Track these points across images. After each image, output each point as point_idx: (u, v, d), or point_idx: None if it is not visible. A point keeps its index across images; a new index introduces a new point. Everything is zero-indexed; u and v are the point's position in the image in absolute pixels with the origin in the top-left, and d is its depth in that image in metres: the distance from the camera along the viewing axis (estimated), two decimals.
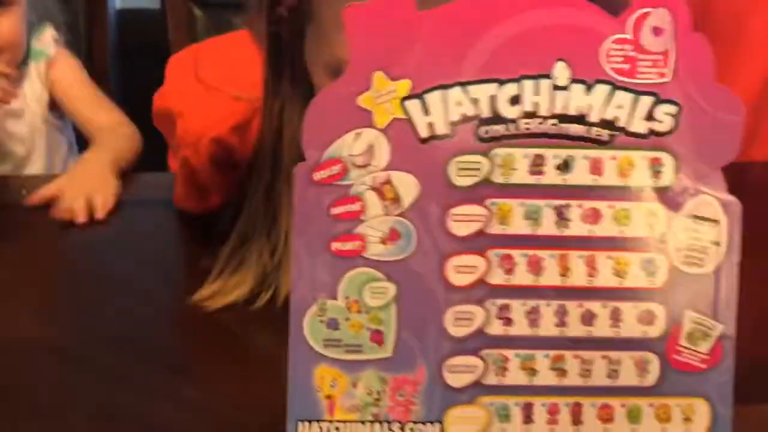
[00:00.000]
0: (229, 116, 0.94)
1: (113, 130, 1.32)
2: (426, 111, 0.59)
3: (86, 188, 1.05)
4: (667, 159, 0.60)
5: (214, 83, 0.97)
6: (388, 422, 0.60)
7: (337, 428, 0.60)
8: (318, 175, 0.59)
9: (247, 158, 0.91)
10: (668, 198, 0.60)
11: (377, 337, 0.60)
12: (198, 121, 0.96)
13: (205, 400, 0.73)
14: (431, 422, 0.60)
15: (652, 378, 0.61)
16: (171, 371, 0.77)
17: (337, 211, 0.59)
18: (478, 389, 0.60)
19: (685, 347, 0.61)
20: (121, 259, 0.98)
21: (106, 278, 0.93)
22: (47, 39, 1.45)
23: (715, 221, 0.60)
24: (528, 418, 0.61)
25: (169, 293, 0.91)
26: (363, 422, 0.60)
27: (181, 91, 1.01)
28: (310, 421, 0.60)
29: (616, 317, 0.60)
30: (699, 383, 0.61)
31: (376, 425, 0.60)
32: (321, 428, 0.60)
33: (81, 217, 1.04)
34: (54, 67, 1.42)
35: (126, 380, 0.76)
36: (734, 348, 0.61)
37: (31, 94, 1.41)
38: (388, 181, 0.59)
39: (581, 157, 0.60)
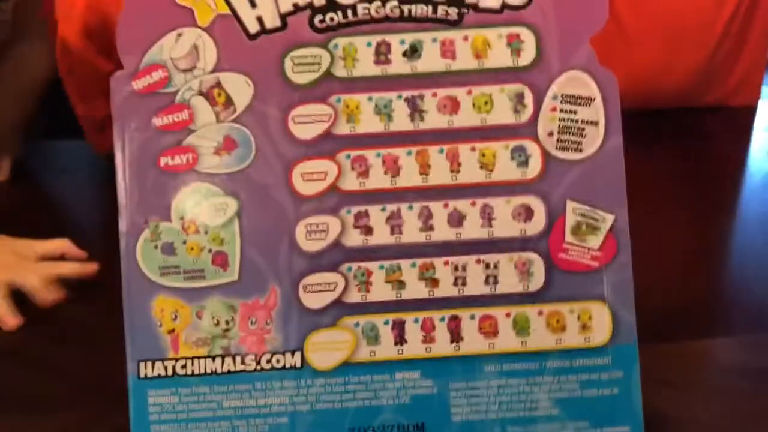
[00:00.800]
0: None
1: None
2: (252, 3, 0.53)
3: None
4: (526, 34, 0.54)
5: None
6: (241, 355, 0.53)
7: (183, 366, 0.53)
8: (138, 84, 0.53)
9: None
10: (532, 77, 0.54)
11: (220, 260, 0.53)
12: None
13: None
14: (290, 351, 0.53)
15: (536, 281, 0.54)
16: None
17: (162, 121, 0.53)
18: (340, 309, 0.53)
19: (572, 243, 0.54)
20: None
21: None
22: None
23: (589, 98, 0.54)
24: (400, 338, 0.53)
25: None
26: (212, 357, 0.53)
27: None
28: (153, 361, 0.53)
29: (487, 215, 0.54)
30: (593, 284, 0.54)
31: (228, 360, 0.53)
32: (165, 367, 0.53)
33: None
34: None
35: None
36: (629, 241, 0.54)
37: None
38: (217, 84, 0.53)
39: (430, 40, 0.54)
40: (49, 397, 0.64)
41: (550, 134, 0.54)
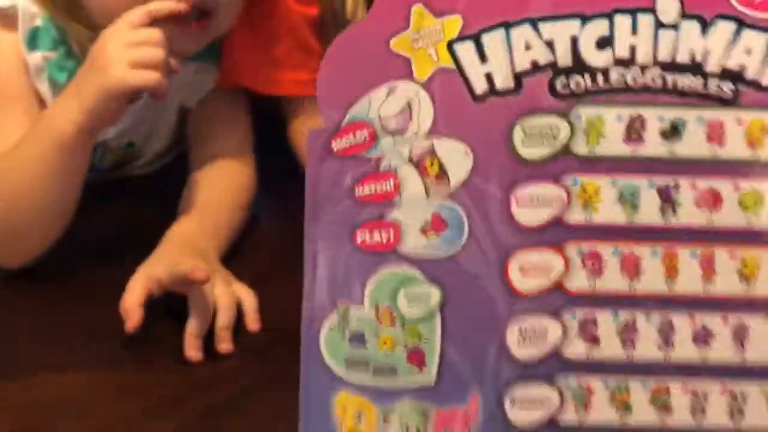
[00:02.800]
0: None
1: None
2: (483, 57, 0.44)
3: None
4: None
5: None
6: None
7: None
8: (338, 144, 0.45)
9: None
10: None
11: (417, 358, 0.46)
12: None
13: None
14: None
15: None
16: None
17: (363, 191, 0.45)
18: (552, 430, 0.45)
19: None
20: None
21: None
22: None
23: None
24: None
25: None
26: None
27: None
28: None
29: (741, 336, 0.45)
30: None
31: None
32: None
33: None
34: None
35: None
36: None
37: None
38: (430, 152, 0.45)
39: (695, 119, 0.44)
40: None
41: None
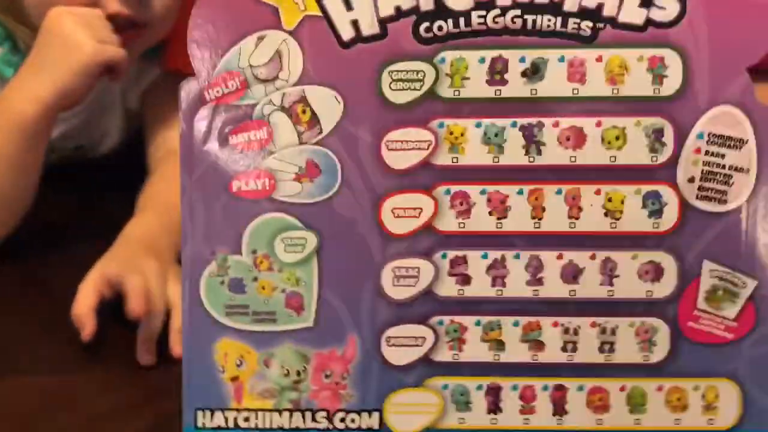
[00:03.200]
0: None
1: None
2: (348, 4, 0.45)
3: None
4: (672, 58, 0.45)
5: None
6: (312, 411, 0.47)
7: (246, 419, 0.47)
8: (210, 93, 0.46)
9: None
10: (676, 110, 0.45)
11: (295, 302, 0.46)
12: None
13: None
14: (368, 411, 0.46)
15: (659, 352, 0.46)
16: None
17: (236, 140, 0.46)
18: (427, 368, 0.46)
19: (705, 311, 0.46)
20: None
21: None
22: None
23: (741, 141, 0.45)
24: (494, 406, 0.46)
25: None
26: (279, 411, 0.47)
27: None
28: (212, 410, 0.47)
29: (609, 271, 0.46)
30: (724, 359, 0.46)
31: (297, 415, 0.47)
32: (226, 418, 0.47)
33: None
34: None
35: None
36: None
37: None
38: (302, 99, 0.46)
39: (555, 59, 0.45)
40: None
41: (691, 180, 0.45)
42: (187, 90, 0.46)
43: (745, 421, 0.46)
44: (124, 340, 0.60)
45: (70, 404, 0.55)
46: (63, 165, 0.81)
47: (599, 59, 0.45)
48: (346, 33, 0.46)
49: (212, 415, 0.47)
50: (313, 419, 0.47)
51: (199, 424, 0.47)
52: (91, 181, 0.83)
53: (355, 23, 0.46)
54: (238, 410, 0.47)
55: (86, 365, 0.59)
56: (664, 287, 0.46)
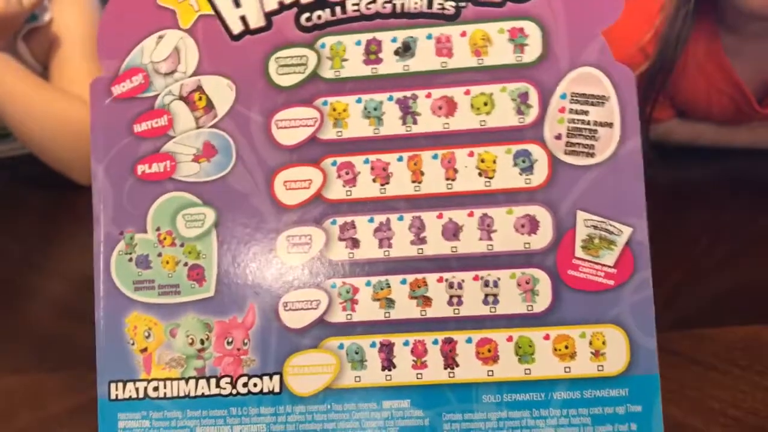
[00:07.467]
0: None
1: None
2: (236, 2, 0.50)
3: None
4: (531, 28, 0.49)
5: None
6: (216, 378, 0.49)
7: (155, 388, 0.49)
8: (117, 89, 0.51)
9: None
10: (538, 74, 0.49)
11: (196, 274, 0.49)
12: None
13: None
14: (269, 375, 0.49)
15: (542, 302, 0.48)
16: None
17: (140, 128, 0.51)
18: (322, 329, 0.49)
19: (583, 259, 0.48)
20: None
21: None
22: None
23: (603, 97, 0.48)
24: (388, 362, 0.48)
25: None
26: (186, 379, 0.49)
27: None
28: (124, 382, 0.49)
29: (486, 227, 0.48)
30: (607, 305, 0.48)
31: (202, 382, 0.49)
32: (137, 389, 0.49)
33: None
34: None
35: None
36: (649, 257, 0.48)
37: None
38: (198, 88, 0.50)
39: (424, 37, 0.50)
40: None
41: (558, 137, 0.48)
42: (97, 87, 0.51)
43: (633, 366, 0.47)
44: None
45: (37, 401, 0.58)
46: None
47: (463, 34, 0.49)
48: (236, 27, 0.51)
49: (124, 386, 0.49)
50: (218, 385, 0.49)
51: (113, 396, 0.49)
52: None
53: (243, 18, 0.51)
54: (147, 381, 0.49)
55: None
56: (541, 239, 0.48)
